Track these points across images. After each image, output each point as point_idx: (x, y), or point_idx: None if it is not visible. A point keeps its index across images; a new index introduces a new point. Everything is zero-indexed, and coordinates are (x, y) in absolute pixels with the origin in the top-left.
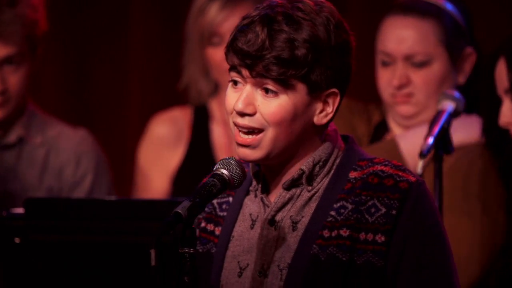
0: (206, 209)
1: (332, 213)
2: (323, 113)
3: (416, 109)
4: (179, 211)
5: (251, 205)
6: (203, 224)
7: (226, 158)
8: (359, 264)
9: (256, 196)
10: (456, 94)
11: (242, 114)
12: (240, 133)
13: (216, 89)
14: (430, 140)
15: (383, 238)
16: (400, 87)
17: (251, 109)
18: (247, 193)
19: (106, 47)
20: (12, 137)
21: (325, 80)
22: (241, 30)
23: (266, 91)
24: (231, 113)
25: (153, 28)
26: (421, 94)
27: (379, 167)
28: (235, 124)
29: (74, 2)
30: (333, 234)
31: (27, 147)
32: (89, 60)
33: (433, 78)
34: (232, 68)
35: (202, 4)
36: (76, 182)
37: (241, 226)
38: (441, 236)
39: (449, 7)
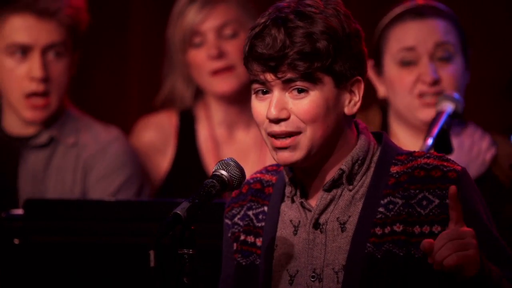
0: (241, 222)
1: (381, 209)
2: (352, 103)
3: None
4: (178, 212)
5: (289, 212)
6: (242, 237)
7: (225, 159)
8: (417, 257)
9: (293, 201)
10: (455, 95)
11: (277, 121)
12: (277, 138)
13: (200, 93)
14: (429, 141)
15: (439, 228)
16: (434, 83)
17: (285, 114)
18: (283, 200)
19: (105, 47)
20: (43, 137)
21: (349, 70)
22: (256, 37)
23: (299, 91)
24: (263, 124)
25: (152, 28)
26: (451, 92)
27: (422, 160)
28: (272, 134)
29: None
30: (386, 231)
31: (60, 147)
32: (88, 60)
33: (458, 75)
34: (255, 79)
35: (181, 8)
36: (105, 185)
37: (283, 234)
38: (490, 215)
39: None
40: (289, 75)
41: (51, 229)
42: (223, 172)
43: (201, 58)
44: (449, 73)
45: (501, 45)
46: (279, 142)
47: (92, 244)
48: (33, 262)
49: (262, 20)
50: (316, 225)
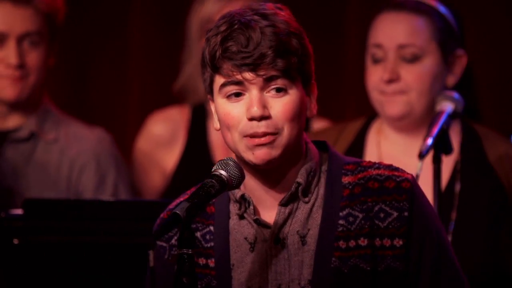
0: None
1: (341, 222)
2: (311, 105)
3: (406, 109)
4: (177, 212)
5: (241, 229)
6: None
7: (225, 159)
8: (380, 271)
9: (241, 218)
10: (455, 95)
11: (260, 119)
12: (255, 138)
13: None
14: (429, 141)
15: (401, 242)
16: (390, 81)
17: (267, 112)
18: (228, 217)
19: (105, 46)
20: (24, 131)
21: (310, 71)
22: (228, 38)
23: (277, 90)
24: (237, 126)
25: (152, 28)
26: (413, 92)
27: (373, 171)
28: (251, 135)
29: (75, 1)
30: (351, 245)
31: (40, 143)
32: (89, 59)
33: (424, 75)
34: (229, 81)
35: None
36: (98, 185)
37: (238, 253)
38: (439, 219)
39: (441, 9)
40: (271, 73)
41: (50, 229)
42: (222, 172)
43: None
44: (412, 74)
45: None
46: (257, 140)
47: (91, 244)
48: (32, 262)
49: (222, 28)
50: (277, 240)
